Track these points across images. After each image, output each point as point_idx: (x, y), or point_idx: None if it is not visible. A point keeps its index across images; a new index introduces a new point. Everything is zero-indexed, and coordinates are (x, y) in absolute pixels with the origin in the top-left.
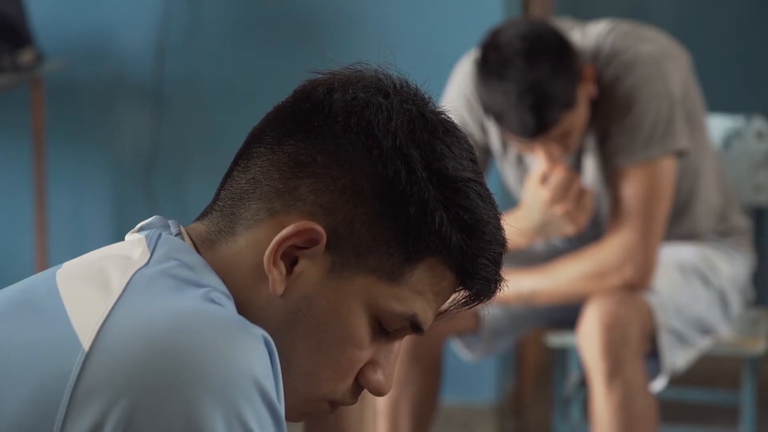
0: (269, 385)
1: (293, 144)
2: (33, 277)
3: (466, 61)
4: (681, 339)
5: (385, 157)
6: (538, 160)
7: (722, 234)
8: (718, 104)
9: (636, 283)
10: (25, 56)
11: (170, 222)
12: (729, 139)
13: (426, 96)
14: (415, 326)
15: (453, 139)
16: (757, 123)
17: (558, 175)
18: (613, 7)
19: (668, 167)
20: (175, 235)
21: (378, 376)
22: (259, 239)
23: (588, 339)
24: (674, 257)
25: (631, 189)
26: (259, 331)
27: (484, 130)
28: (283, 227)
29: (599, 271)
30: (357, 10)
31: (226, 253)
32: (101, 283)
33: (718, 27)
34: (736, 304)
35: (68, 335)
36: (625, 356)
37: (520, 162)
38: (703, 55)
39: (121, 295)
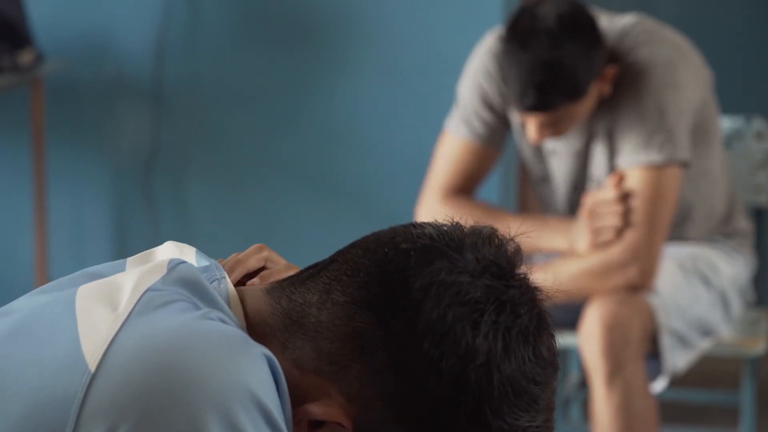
0: (271, 403)
1: (366, 323)
2: (56, 292)
3: (489, 36)
4: (682, 340)
5: (441, 398)
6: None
7: (725, 235)
8: (718, 105)
9: (639, 284)
10: (25, 56)
11: (218, 264)
12: (729, 140)
13: (524, 311)
14: None
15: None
16: (757, 124)
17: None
18: (617, 6)
19: (671, 175)
20: (220, 278)
21: None
22: (297, 383)
23: (589, 339)
24: (675, 258)
25: (636, 191)
26: (261, 350)
27: (505, 101)
28: (323, 392)
29: (603, 270)
30: (357, 10)
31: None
32: (113, 302)
33: (719, 28)
34: (736, 305)
35: (76, 355)
36: (625, 357)
37: None
38: (703, 56)
39: (129, 316)
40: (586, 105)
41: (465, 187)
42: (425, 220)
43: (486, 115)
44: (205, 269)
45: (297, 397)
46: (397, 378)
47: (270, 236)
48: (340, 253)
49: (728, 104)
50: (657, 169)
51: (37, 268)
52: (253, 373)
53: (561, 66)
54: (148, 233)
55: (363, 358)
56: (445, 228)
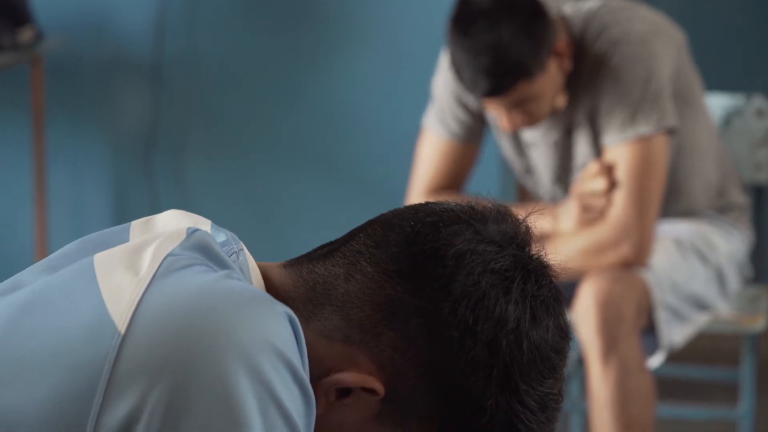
0: (296, 360)
1: (398, 291)
2: (67, 260)
3: None
4: (677, 315)
5: (474, 362)
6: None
7: (720, 210)
8: (718, 82)
9: (632, 261)
10: (25, 34)
11: (235, 236)
12: (729, 117)
13: (546, 282)
14: None
15: (547, 355)
16: (757, 101)
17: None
18: None
19: (659, 144)
20: (238, 251)
21: None
22: (324, 353)
23: (583, 317)
24: (671, 234)
25: (622, 167)
26: (284, 308)
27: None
28: (352, 361)
29: (596, 248)
30: None
31: None
32: (135, 267)
33: (719, 5)
34: (733, 281)
35: (103, 319)
36: (620, 333)
37: (515, 133)
38: (703, 34)
39: (152, 279)
40: (547, 83)
41: (450, 186)
42: None
43: (461, 114)
44: (224, 243)
45: (322, 368)
46: (431, 343)
47: (269, 214)
48: (357, 231)
49: (729, 82)
50: (645, 140)
51: (36, 245)
52: (278, 331)
53: (502, 46)
54: (148, 211)
55: (395, 325)
56: (463, 204)
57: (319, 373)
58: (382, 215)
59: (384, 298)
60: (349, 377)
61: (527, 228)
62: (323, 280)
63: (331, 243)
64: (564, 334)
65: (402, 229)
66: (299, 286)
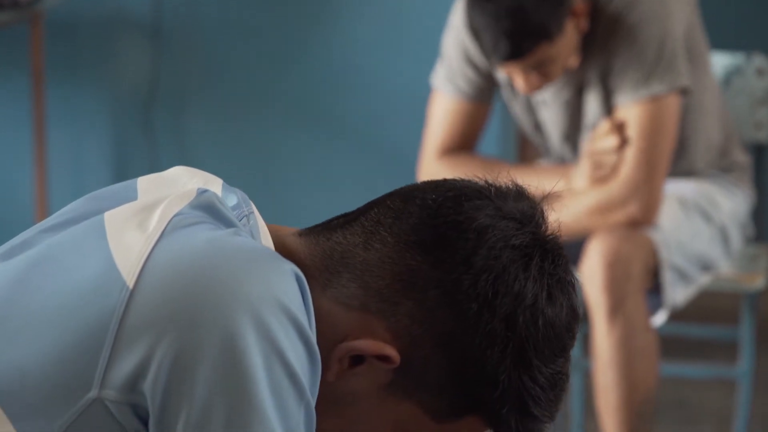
0: (301, 317)
1: (419, 261)
2: (74, 217)
3: None
4: (683, 276)
5: (491, 335)
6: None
7: (723, 169)
8: (718, 41)
9: (640, 220)
10: None
11: (246, 198)
12: (729, 76)
13: (561, 262)
14: None
15: (561, 324)
16: (758, 60)
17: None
18: None
19: (672, 104)
20: (248, 214)
21: None
22: (339, 320)
23: (590, 275)
24: (675, 193)
25: (634, 126)
26: (290, 266)
27: (489, 59)
28: (368, 329)
29: (604, 207)
30: None
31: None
32: (144, 225)
33: None
34: (736, 240)
35: (112, 274)
36: (626, 292)
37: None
38: None
39: (161, 236)
40: (565, 44)
41: (463, 145)
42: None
43: (471, 73)
44: (235, 207)
45: (338, 335)
46: (450, 315)
47: (269, 171)
48: (375, 202)
49: (729, 40)
50: (657, 100)
51: (36, 204)
52: (285, 288)
53: (524, 9)
54: (148, 169)
55: (414, 294)
56: (483, 181)
57: (334, 340)
58: (401, 188)
59: (404, 267)
60: (364, 344)
61: (542, 209)
62: (341, 248)
63: (347, 214)
64: (575, 314)
65: (424, 202)
66: (316, 254)
